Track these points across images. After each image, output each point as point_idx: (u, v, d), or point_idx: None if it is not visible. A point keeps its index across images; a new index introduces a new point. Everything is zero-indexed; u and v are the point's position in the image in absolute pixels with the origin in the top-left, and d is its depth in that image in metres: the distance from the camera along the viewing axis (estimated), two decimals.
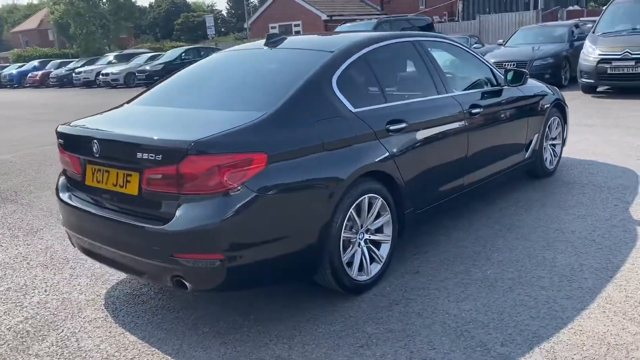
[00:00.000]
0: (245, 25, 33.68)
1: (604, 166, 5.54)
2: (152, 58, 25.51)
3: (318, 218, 2.83)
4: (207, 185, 2.52)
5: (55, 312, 3.20)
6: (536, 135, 4.88)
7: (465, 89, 4.10)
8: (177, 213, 2.58)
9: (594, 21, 15.03)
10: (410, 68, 3.73)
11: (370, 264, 3.20)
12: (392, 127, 3.24)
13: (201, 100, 3.33)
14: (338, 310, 3.00)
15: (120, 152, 2.82)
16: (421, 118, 3.51)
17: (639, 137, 6.76)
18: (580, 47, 11.18)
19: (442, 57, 4.12)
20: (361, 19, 28.09)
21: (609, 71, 10.08)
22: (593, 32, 11.02)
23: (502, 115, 4.34)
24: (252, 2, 75.40)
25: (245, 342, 2.76)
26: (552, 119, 5.16)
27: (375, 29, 15.80)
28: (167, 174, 2.58)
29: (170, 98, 3.51)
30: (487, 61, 4.53)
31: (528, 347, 2.55)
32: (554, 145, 5.32)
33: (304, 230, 2.80)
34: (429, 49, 3.90)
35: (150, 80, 22.76)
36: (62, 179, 3.36)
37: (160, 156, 2.57)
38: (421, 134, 3.48)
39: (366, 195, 3.07)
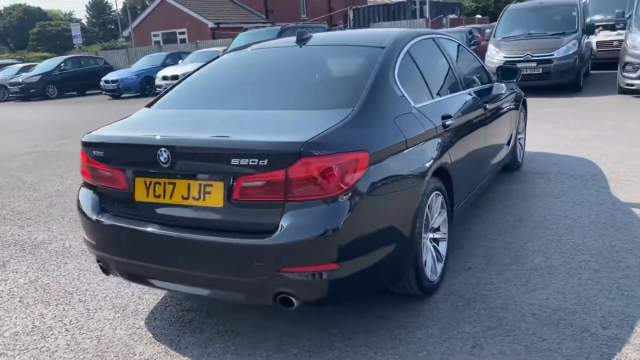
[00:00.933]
0: (126, 34, 31.88)
1: (559, 157, 5.97)
2: (24, 69, 23.21)
3: (407, 219, 2.72)
4: (319, 190, 2.30)
5: (101, 354, 2.73)
6: (514, 130, 5.14)
7: (471, 84, 4.19)
8: (283, 223, 2.32)
9: (479, 28, 16.22)
10: (438, 64, 3.73)
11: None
12: (446, 123, 3.21)
13: (263, 100, 3.05)
14: (422, 314, 2.89)
15: (204, 159, 2.48)
16: (459, 113, 3.52)
17: (568, 130, 7.40)
18: (476, 51, 12.05)
19: (451, 54, 4.17)
20: (251, 27, 27.95)
21: None
22: (494, 37, 11.92)
23: (499, 110, 4.50)
24: (114, 13, 71.46)
25: (349, 358, 2.55)
26: (521, 113, 5.47)
27: (280, 35, 15.79)
28: (272, 180, 2.31)
29: (218, 100, 3.20)
30: (478, 58, 4.68)
31: (629, 328, 2.63)
32: (519, 139, 5.64)
33: (397, 233, 2.66)
34: (445, 46, 3.94)
35: (26, 92, 20.68)
36: (89, 196, 2.89)
37: (266, 161, 2.29)
38: (461, 130, 3.49)
39: (434, 193, 3.00)
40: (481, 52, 11.84)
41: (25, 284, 3.65)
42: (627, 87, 9.80)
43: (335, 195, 2.31)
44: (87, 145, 2.83)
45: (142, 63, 19.89)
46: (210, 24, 27.42)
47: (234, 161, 2.34)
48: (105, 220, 2.77)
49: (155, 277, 2.72)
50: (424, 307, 2.96)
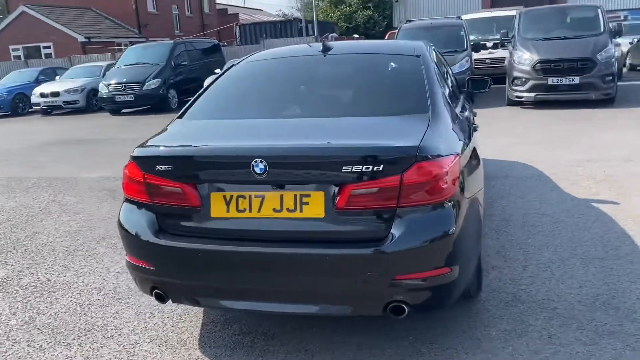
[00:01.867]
0: None
1: (502, 162, 6.48)
2: None
3: (480, 218, 2.82)
4: (430, 194, 2.30)
5: None
6: None
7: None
8: (395, 229, 2.29)
9: None
10: (445, 72, 3.88)
11: None
12: (476, 128, 3.37)
13: (330, 108, 2.98)
14: (481, 313, 2.98)
15: (306, 168, 2.35)
16: (473, 121, 3.71)
17: (486, 139, 8.05)
18: None
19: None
20: (124, 42, 26.61)
21: None
22: None
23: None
24: None
25: None
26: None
27: (173, 49, 15.30)
28: (386, 186, 2.26)
29: (275, 109, 3.08)
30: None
31: None
32: None
33: (480, 234, 2.76)
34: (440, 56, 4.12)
35: None
36: (141, 216, 2.60)
37: (381, 167, 2.24)
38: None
39: None
40: None
41: (21, 326, 3.15)
42: (516, 99, 10.89)
43: (444, 199, 2.33)
44: (145, 159, 2.55)
45: (11, 79, 17.99)
46: (81, 38, 25.59)
47: (345, 168, 2.26)
48: (170, 241, 2.51)
49: (236, 298, 2.52)
50: (478, 307, 3.06)
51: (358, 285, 2.32)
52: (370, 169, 2.25)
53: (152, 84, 14.25)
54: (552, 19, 11.78)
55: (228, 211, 2.44)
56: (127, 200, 2.70)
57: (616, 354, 2.54)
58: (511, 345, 2.66)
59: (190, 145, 2.59)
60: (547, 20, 11.72)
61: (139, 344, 2.86)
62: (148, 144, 2.65)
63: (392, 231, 2.29)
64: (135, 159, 2.58)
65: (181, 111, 3.12)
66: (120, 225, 2.69)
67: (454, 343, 2.70)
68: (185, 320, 3.09)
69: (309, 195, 2.35)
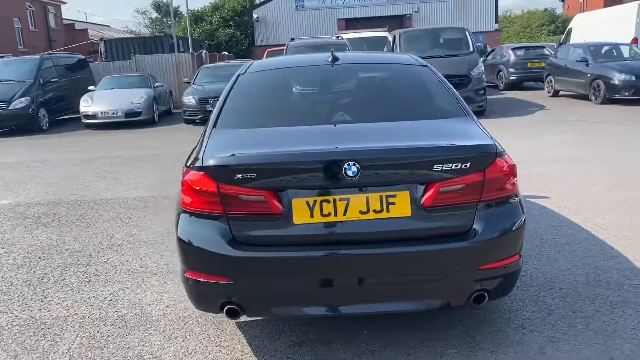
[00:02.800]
0: None
1: None
2: None
3: None
4: (504, 188, 2.53)
5: None
6: None
7: None
8: (477, 223, 2.47)
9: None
10: None
11: None
12: None
13: (375, 113, 3.05)
14: (503, 300, 3.23)
15: (396, 169, 2.44)
16: None
17: None
18: None
19: None
20: None
21: None
22: None
23: None
24: None
25: (510, 345, 2.79)
26: None
27: (40, 64, 14.02)
28: (471, 182, 2.44)
29: (313, 116, 3.09)
30: None
31: None
32: None
33: None
34: None
35: None
36: (212, 229, 2.47)
37: (468, 164, 2.41)
38: None
39: None
40: None
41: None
42: None
43: (513, 192, 2.57)
44: (222, 169, 2.43)
45: None
46: None
47: (436, 167, 2.40)
48: (251, 252, 2.43)
49: (321, 304, 2.51)
50: (517, 303, 3.22)
51: (448, 279, 2.46)
52: (459, 167, 2.41)
53: (19, 103, 12.87)
54: (427, 39, 12.93)
55: (312, 217, 2.43)
56: (188, 213, 2.55)
57: (636, 319, 2.96)
58: (549, 322, 2.97)
59: (277, 152, 2.52)
60: (423, 40, 12.85)
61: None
62: (217, 155, 2.51)
63: (474, 224, 2.47)
64: (207, 169, 2.45)
65: (212, 121, 3.00)
66: (184, 242, 2.53)
67: (500, 326, 2.94)
68: (225, 339, 2.95)
69: (394, 196, 2.43)
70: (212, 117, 3.05)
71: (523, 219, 2.58)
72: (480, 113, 11.50)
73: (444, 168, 2.41)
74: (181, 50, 20.73)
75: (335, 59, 3.49)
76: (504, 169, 2.51)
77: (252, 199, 2.43)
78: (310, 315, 2.61)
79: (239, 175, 2.42)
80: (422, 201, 2.43)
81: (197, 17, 34.80)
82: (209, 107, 12.86)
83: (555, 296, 3.27)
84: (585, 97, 13.68)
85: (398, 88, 3.40)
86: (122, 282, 3.81)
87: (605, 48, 14.48)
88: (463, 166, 2.42)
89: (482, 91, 11.83)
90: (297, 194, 2.43)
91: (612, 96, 12.74)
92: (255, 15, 33.76)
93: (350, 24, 33.62)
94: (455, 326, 2.97)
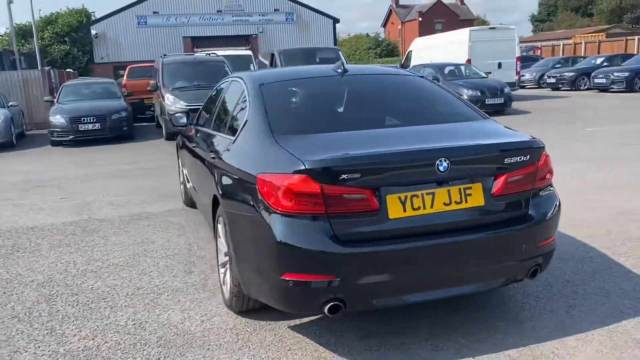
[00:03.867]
0: None
1: None
2: None
3: None
4: (547, 177, 2.99)
5: None
6: None
7: None
8: (531, 207, 2.90)
9: None
10: None
11: None
12: None
13: (410, 118, 3.34)
14: (536, 284, 3.63)
15: (477, 163, 2.75)
16: None
17: None
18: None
19: None
20: None
21: None
22: (164, 87, 12.49)
23: None
24: None
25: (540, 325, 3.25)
26: None
27: None
28: (529, 172, 2.86)
29: (362, 120, 3.27)
30: None
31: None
32: None
33: None
34: None
35: None
36: (313, 228, 2.56)
37: (528, 156, 2.83)
38: None
39: None
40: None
41: None
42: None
43: (550, 181, 3.05)
44: (326, 170, 2.52)
45: None
46: None
47: (507, 160, 2.77)
48: (356, 248, 2.57)
49: (415, 291, 2.72)
50: (540, 288, 3.60)
51: (515, 257, 2.84)
52: (522, 159, 2.81)
53: None
54: (305, 58, 13.53)
55: (405, 211, 2.64)
56: (285, 216, 2.59)
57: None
58: (571, 297, 3.46)
59: (380, 152, 2.66)
60: (302, 58, 13.43)
61: None
62: (320, 157, 2.59)
63: (529, 209, 2.90)
64: (310, 171, 2.53)
65: (263, 129, 3.06)
66: (283, 244, 2.56)
67: (527, 303, 3.39)
68: (291, 343, 3.00)
69: (470, 187, 2.76)
70: (256, 125, 3.13)
71: (559, 203, 3.07)
72: None
73: (512, 161, 2.79)
74: (23, 67, 18.79)
75: (345, 70, 3.73)
76: (547, 161, 2.98)
77: (354, 198, 2.57)
78: (408, 303, 2.79)
79: (345, 176, 2.54)
80: (492, 191, 2.79)
81: (25, 32, 31.73)
82: (82, 127, 11.98)
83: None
84: None
85: (419, 95, 3.72)
86: (131, 306, 3.57)
87: (450, 68, 16.45)
88: (524, 159, 2.83)
89: None
90: (391, 190, 2.62)
91: None
92: (93, 32, 31.77)
93: (197, 42, 33.30)
94: (497, 304, 3.35)
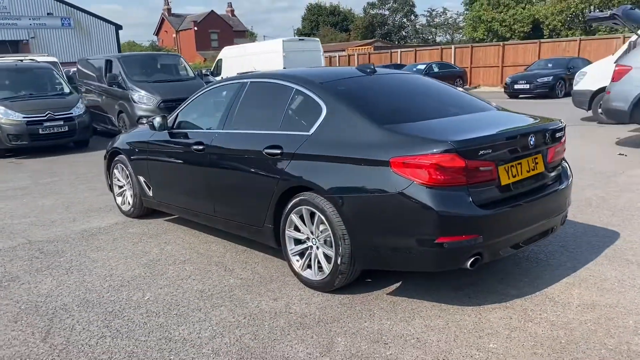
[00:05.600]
0: None
1: None
2: None
3: None
4: (564, 150, 3.99)
5: None
6: None
7: None
8: (562, 174, 3.89)
9: None
10: None
11: None
12: None
13: (459, 109, 3.97)
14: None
15: (544, 139, 3.56)
16: None
17: None
18: None
19: None
20: None
21: (40, 131, 10.65)
22: None
23: None
24: None
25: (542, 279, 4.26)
26: None
27: None
28: (562, 145, 3.83)
29: (428, 111, 3.85)
30: None
31: None
32: None
33: None
34: None
35: None
36: (461, 197, 3.14)
37: (562, 132, 3.78)
38: None
39: None
40: None
41: None
42: None
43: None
44: (470, 149, 3.12)
45: None
46: None
47: (557, 135, 3.68)
48: (490, 210, 3.20)
49: (522, 238, 3.44)
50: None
51: (562, 208, 3.78)
52: (560, 135, 3.76)
53: None
54: (147, 64, 13.03)
55: (509, 178, 3.38)
56: (434, 188, 3.09)
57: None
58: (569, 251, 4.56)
59: (501, 132, 3.33)
60: (144, 65, 12.91)
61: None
62: (461, 138, 3.14)
63: (562, 174, 3.87)
64: (457, 150, 3.08)
65: (365, 118, 3.51)
66: (438, 212, 3.07)
67: (543, 257, 4.38)
68: (395, 311, 3.48)
69: (537, 157, 3.61)
70: (347, 117, 3.57)
71: (571, 171, 4.09)
72: None
73: (557, 136, 3.72)
74: None
75: (374, 70, 4.27)
76: (566, 138, 3.99)
77: (485, 170, 3.21)
78: (518, 249, 3.51)
79: (482, 152, 3.16)
80: (547, 159, 3.68)
81: None
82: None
83: None
84: None
85: (443, 89, 4.40)
86: (222, 305, 3.58)
87: None
88: (561, 135, 3.78)
89: None
90: (501, 162, 3.32)
91: None
92: None
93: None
94: (512, 268, 4.25)
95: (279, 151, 3.84)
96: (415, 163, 3.13)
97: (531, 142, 3.45)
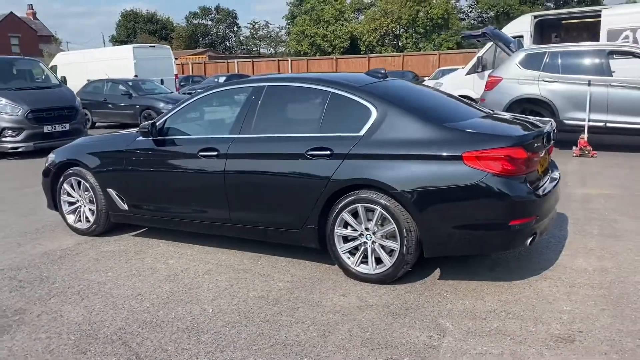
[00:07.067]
0: None
1: None
2: None
3: None
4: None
5: None
6: None
7: None
8: (553, 164, 4.61)
9: None
10: None
11: None
12: None
13: (469, 112, 4.38)
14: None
15: (550, 137, 4.18)
16: None
17: None
18: None
19: None
20: None
21: None
22: None
23: None
24: None
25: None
26: None
27: None
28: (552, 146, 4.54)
29: (456, 113, 4.22)
30: None
31: None
32: None
33: None
34: None
35: None
36: (522, 184, 3.61)
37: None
38: None
39: None
40: None
41: None
42: (10, 150, 10.42)
43: None
44: (529, 143, 3.61)
45: None
46: None
47: (554, 136, 4.37)
48: (542, 194, 3.74)
49: (545, 226, 4.01)
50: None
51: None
52: (554, 136, 4.47)
53: None
54: (4, 69, 11.46)
55: (540, 168, 3.96)
56: (504, 177, 3.52)
57: None
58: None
59: (540, 130, 3.83)
60: (1, 71, 11.34)
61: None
62: (522, 134, 3.64)
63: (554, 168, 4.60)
64: (522, 144, 3.56)
65: (424, 118, 3.82)
66: (512, 198, 3.52)
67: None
68: (463, 286, 3.86)
69: (546, 153, 4.24)
70: (403, 118, 3.84)
71: None
72: None
73: (555, 137, 4.40)
74: None
75: (385, 75, 4.58)
76: None
77: (535, 160, 3.73)
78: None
79: (536, 145, 3.69)
80: (549, 154, 4.35)
81: None
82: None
83: None
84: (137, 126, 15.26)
85: (440, 94, 4.86)
86: (298, 306, 3.57)
87: (140, 83, 16.52)
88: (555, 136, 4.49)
89: (85, 122, 11.77)
90: (533, 154, 3.88)
91: None
92: None
93: None
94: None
95: (327, 152, 3.93)
96: (488, 156, 3.52)
97: (547, 139, 4.06)
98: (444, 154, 3.63)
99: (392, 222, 3.75)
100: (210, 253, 4.70)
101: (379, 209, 3.78)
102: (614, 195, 6.36)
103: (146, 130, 4.68)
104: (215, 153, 4.37)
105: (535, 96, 9.47)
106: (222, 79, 28.28)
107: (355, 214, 3.91)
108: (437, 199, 3.65)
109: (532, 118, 4.51)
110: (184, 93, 26.33)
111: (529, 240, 3.70)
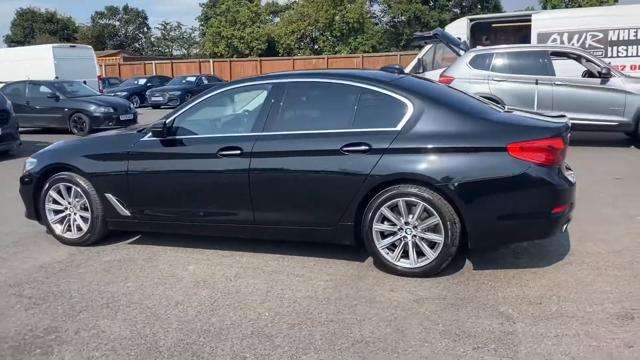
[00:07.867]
0: None
1: None
2: None
3: None
4: None
5: None
6: None
7: None
8: None
9: None
10: None
11: None
12: None
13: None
14: None
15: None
16: None
17: None
18: None
19: None
20: None
21: None
22: None
23: None
24: None
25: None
26: None
27: None
28: None
29: (481, 107, 4.28)
30: None
31: None
32: None
33: None
34: None
35: None
36: (555, 173, 3.75)
37: None
38: None
39: None
40: None
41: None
42: None
43: None
44: (563, 134, 3.76)
45: None
46: None
47: None
48: (572, 183, 3.92)
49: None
50: None
51: None
52: None
53: None
54: None
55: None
56: (546, 167, 3.67)
57: None
58: None
59: (563, 122, 3.97)
60: None
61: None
62: (557, 125, 3.77)
63: None
64: (560, 135, 3.72)
65: (461, 112, 3.92)
66: (555, 187, 3.68)
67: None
68: (503, 273, 3.98)
69: None
70: (441, 112, 3.91)
71: None
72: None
73: None
74: None
75: (401, 71, 4.62)
76: None
77: (565, 151, 3.91)
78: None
79: (567, 136, 3.86)
80: None
81: None
82: None
83: None
84: (66, 130, 14.30)
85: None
86: (352, 305, 3.50)
87: (67, 85, 15.47)
88: None
89: (17, 127, 10.87)
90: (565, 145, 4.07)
91: (97, 127, 14.05)
92: None
93: None
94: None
95: (365, 148, 3.90)
96: (532, 147, 3.66)
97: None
98: (488, 145, 3.72)
99: (436, 214, 3.79)
100: (227, 257, 4.51)
101: (421, 202, 3.80)
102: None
103: (159, 129, 4.39)
104: (238, 152, 4.20)
105: (486, 95, 9.92)
106: (142, 81, 27.39)
107: (393, 209, 3.91)
108: (482, 190, 3.73)
109: (547, 112, 4.72)
110: (107, 95, 25.33)
111: (564, 227, 3.88)
